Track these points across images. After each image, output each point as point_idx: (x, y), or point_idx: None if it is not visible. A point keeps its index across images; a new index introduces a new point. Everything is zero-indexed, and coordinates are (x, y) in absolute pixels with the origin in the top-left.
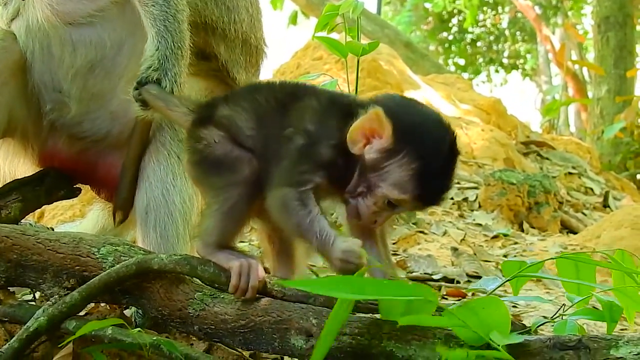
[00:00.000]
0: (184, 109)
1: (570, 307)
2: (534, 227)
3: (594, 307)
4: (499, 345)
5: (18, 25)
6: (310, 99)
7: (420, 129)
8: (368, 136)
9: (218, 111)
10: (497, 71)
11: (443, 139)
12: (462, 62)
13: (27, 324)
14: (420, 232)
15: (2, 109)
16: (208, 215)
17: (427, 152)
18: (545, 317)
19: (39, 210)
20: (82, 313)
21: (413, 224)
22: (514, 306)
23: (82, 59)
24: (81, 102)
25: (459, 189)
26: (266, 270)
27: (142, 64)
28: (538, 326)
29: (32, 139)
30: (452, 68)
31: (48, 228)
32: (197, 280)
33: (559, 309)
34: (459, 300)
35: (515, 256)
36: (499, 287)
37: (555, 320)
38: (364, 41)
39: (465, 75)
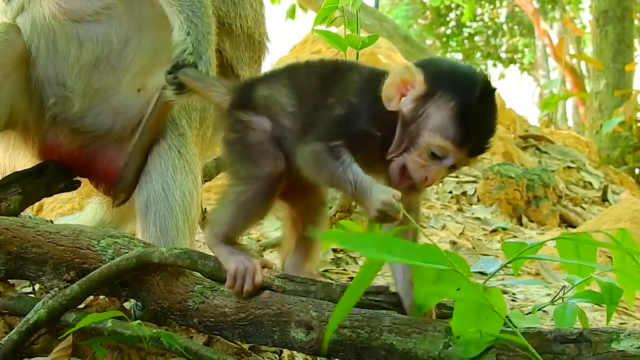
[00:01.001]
0: (223, 89)
1: (570, 289)
2: (532, 221)
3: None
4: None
5: (23, 20)
6: (353, 73)
7: (451, 70)
8: (401, 89)
9: (256, 92)
10: (494, 65)
11: (474, 76)
12: (459, 56)
13: (27, 316)
14: (420, 225)
15: (3, 102)
16: (223, 204)
17: (462, 89)
18: (544, 311)
19: (38, 203)
20: (81, 306)
21: None
22: (512, 299)
23: (88, 54)
24: (85, 97)
25: (457, 182)
26: (267, 266)
27: (175, 47)
28: (538, 309)
29: (33, 132)
30: None
31: (47, 221)
32: (197, 273)
33: (560, 291)
34: None
35: None
36: (499, 269)
37: (555, 303)
38: (363, 35)
39: None
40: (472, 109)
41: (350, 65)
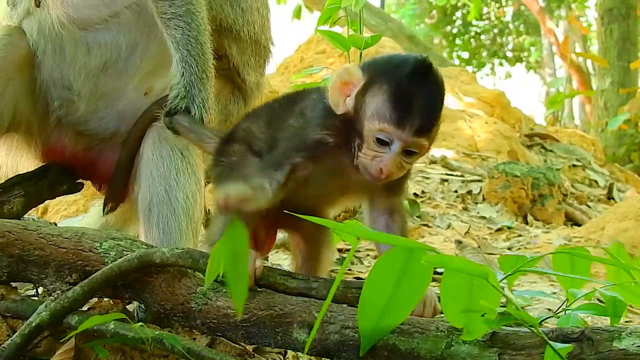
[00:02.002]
0: (215, 138)
1: (574, 301)
2: (538, 220)
3: (598, 300)
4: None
5: (29, 24)
6: (313, 94)
7: (386, 61)
8: (344, 90)
9: (239, 127)
10: (501, 64)
11: (408, 59)
12: (466, 55)
13: (30, 319)
14: (424, 225)
15: (7, 104)
16: (214, 217)
17: (394, 72)
18: (549, 310)
19: (42, 205)
20: (85, 308)
21: (417, 217)
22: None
23: (96, 59)
24: (90, 101)
25: (462, 182)
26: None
27: (169, 91)
28: (542, 321)
29: (37, 134)
30: (457, 62)
31: (51, 223)
32: (200, 274)
33: (562, 304)
34: None
35: (519, 249)
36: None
37: (559, 315)
38: (367, 34)
39: (470, 69)
40: (405, 88)
41: (316, 88)
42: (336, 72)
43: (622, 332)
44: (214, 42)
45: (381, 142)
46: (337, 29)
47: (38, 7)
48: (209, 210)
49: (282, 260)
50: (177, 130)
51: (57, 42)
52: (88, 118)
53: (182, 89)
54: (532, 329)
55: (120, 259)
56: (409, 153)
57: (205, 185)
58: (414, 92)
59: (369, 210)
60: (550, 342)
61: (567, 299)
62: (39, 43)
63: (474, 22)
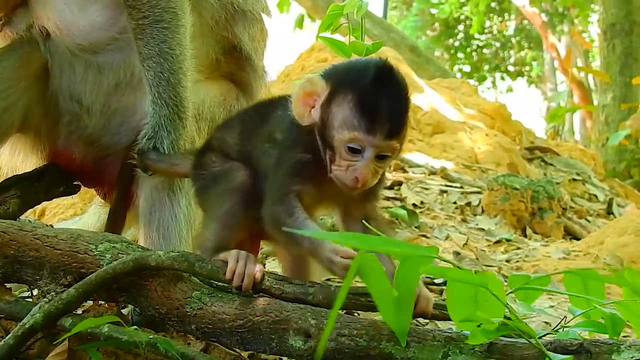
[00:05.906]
0: (185, 158)
1: (573, 319)
2: (537, 233)
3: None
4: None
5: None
6: (279, 109)
7: (347, 68)
8: (308, 101)
9: (212, 138)
10: (502, 78)
11: (368, 64)
12: (467, 68)
13: (23, 320)
14: (423, 236)
15: (18, 112)
16: (205, 224)
17: (356, 80)
18: (546, 323)
19: (39, 208)
20: (79, 311)
21: (415, 227)
22: None
23: (108, 79)
24: (101, 117)
25: (462, 193)
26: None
27: (141, 131)
28: (540, 337)
29: (45, 139)
30: (458, 75)
31: (47, 225)
32: (196, 279)
33: (561, 321)
34: None
35: (517, 261)
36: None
37: (557, 331)
38: (369, 43)
39: (471, 82)
40: (370, 94)
41: (282, 100)
42: (299, 83)
43: (621, 345)
44: (228, 33)
45: (353, 151)
46: (339, 38)
47: (48, 39)
48: None
49: (277, 267)
50: (147, 166)
51: (67, 62)
52: (100, 134)
53: (150, 130)
54: (531, 340)
55: (115, 262)
56: (382, 157)
57: None
58: (379, 97)
59: (343, 218)
60: (549, 353)
61: (565, 317)
62: (46, 55)
63: (476, 36)
